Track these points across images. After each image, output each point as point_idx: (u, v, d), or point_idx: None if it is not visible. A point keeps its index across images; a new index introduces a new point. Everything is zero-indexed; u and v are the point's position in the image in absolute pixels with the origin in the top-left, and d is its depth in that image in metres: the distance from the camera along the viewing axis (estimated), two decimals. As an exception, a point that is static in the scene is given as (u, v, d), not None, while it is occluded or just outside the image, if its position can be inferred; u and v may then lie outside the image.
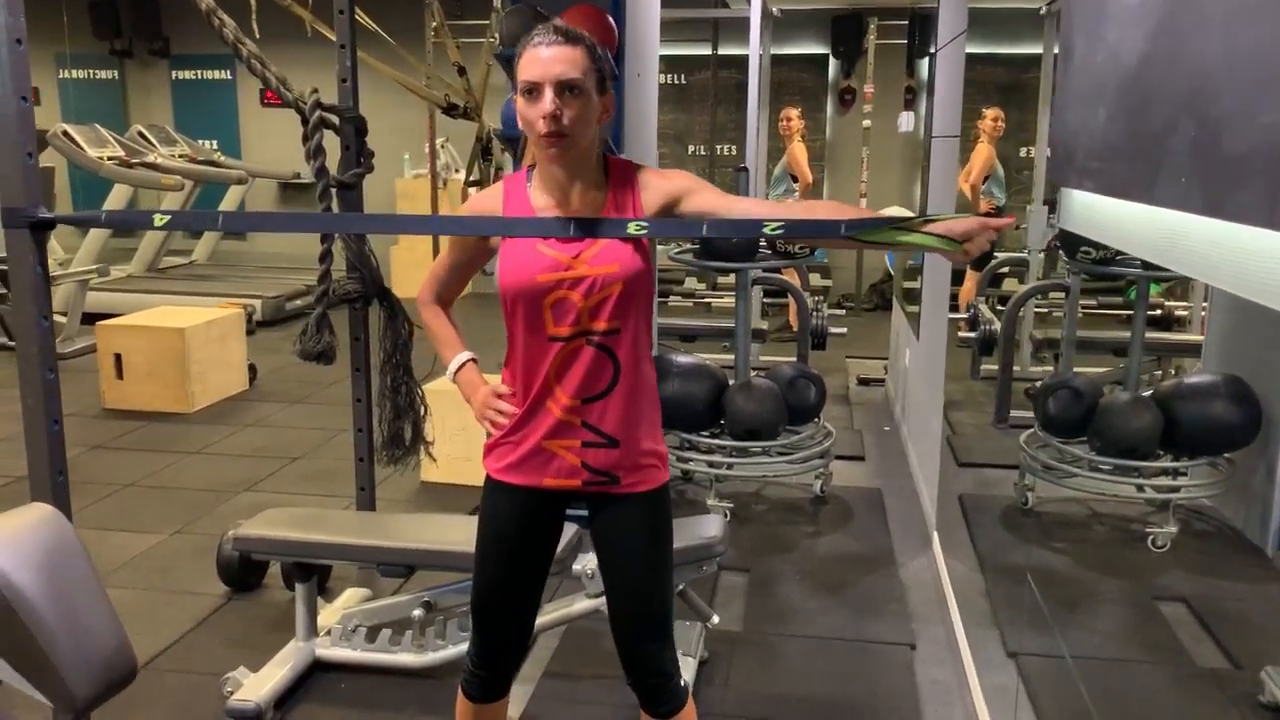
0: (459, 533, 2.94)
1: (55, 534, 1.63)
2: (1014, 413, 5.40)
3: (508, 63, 3.99)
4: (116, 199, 8.71)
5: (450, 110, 5.09)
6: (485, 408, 1.99)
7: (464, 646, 2.87)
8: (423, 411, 3.70)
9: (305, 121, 3.33)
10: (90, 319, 7.38)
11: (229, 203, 9.34)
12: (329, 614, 3.10)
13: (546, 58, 1.78)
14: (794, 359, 4.82)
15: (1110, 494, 4.12)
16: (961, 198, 7.41)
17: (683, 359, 4.28)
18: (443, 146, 9.19)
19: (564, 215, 1.88)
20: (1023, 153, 8.04)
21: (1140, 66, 1.28)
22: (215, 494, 4.50)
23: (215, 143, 10.36)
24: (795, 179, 7.81)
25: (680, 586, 2.85)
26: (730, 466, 4.27)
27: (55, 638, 1.52)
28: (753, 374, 4.41)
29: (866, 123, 8.94)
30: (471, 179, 4.90)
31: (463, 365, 2.07)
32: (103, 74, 11.05)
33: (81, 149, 8.29)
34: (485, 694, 2.12)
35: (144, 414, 5.71)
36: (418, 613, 2.86)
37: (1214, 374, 3.95)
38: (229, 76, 10.71)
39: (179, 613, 3.38)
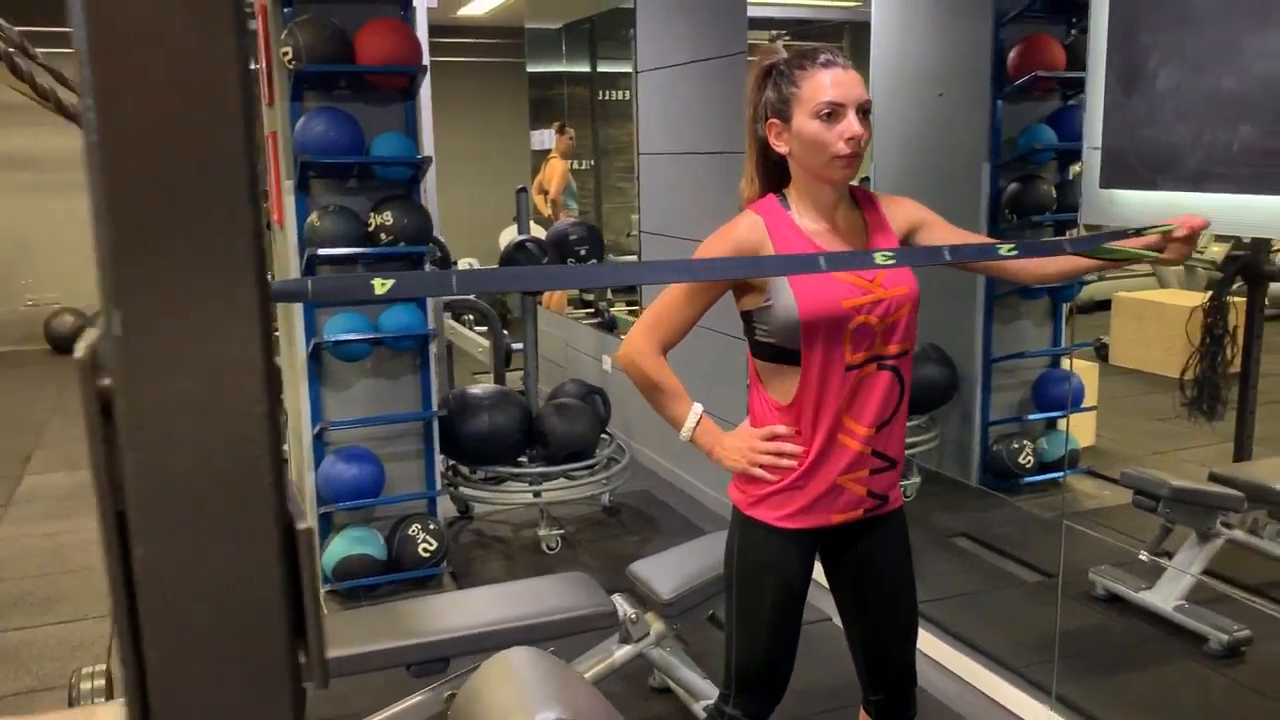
0: (486, 612, 2.62)
1: (578, 683, 1.28)
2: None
3: (300, 79, 3.49)
4: None
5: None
6: (758, 453, 1.87)
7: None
8: None
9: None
10: None
11: None
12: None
13: (846, 80, 1.79)
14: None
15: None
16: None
17: (482, 390, 4.06)
18: None
19: (835, 237, 1.87)
20: (581, 165, 8.27)
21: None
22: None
23: None
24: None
25: (710, 613, 2.83)
26: (539, 495, 4.14)
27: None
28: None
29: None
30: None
31: (700, 417, 1.92)
32: None
33: None
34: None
35: None
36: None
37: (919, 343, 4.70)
38: None
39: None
